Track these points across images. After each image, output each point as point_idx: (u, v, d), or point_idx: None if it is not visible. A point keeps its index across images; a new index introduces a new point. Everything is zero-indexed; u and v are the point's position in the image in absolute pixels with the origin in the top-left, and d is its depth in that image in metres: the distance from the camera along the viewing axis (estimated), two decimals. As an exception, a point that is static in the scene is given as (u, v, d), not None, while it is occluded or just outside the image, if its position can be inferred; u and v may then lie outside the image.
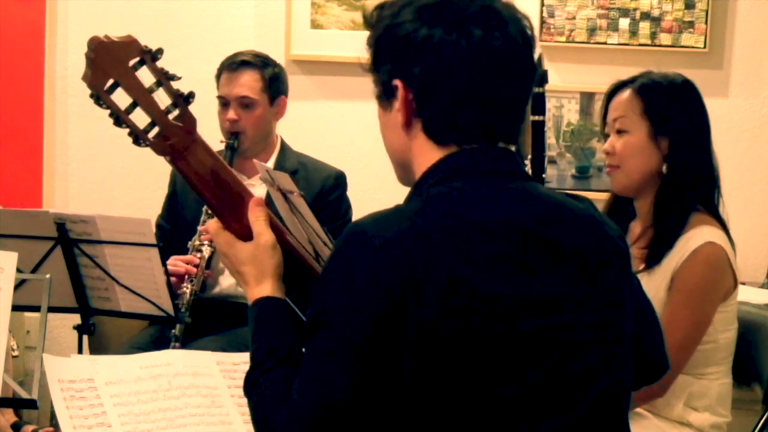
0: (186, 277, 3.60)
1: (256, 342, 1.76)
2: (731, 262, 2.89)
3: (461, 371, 1.56)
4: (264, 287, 1.80)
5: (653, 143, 2.91)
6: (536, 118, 2.91)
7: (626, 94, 2.96)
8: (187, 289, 3.58)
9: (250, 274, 1.81)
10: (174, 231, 3.88)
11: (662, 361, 1.91)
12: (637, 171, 2.93)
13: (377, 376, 1.56)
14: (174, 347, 3.46)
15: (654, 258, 2.89)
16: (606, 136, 3.02)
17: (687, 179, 2.90)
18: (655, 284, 2.84)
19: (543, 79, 2.90)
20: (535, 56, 1.76)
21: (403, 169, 1.76)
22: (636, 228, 3.01)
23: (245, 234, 1.83)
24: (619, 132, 2.95)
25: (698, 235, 2.86)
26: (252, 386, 1.72)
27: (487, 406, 1.57)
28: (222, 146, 3.76)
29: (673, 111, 2.92)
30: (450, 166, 1.68)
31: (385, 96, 1.72)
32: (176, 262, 3.60)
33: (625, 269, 1.76)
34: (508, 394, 1.58)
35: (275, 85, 3.85)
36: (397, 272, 1.55)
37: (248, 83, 3.81)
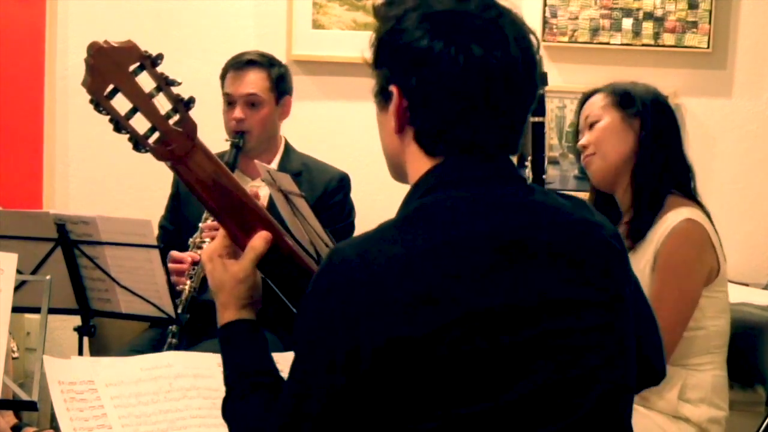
0: (186, 273, 3.59)
1: (227, 368, 1.80)
2: (713, 242, 2.94)
3: (461, 385, 1.55)
4: (229, 312, 1.83)
5: (626, 124, 3.05)
6: (536, 119, 2.94)
7: (597, 95, 3.14)
8: (186, 286, 3.56)
9: (219, 299, 1.85)
10: (177, 232, 3.86)
11: (660, 366, 1.91)
12: (613, 152, 3.05)
13: (345, 401, 1.57)
14: (171, 344, 3.45)
15: (634, 237, 2.97)
16: (578, 149, 3.17)
17: (659, 156, 3.02)
18: (638, 265, 2.88)
19: (542, 80, 2.93)
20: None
21: (395, 168, 1.76)
22: (622, 221, 3.07)
23: (246, 240, 1.84)
24: (592, 126, 3.09)
25: (676, 214, 2.94)
26: (230, 413, 1.76)
27: (491, 415, 1.57)
28: (227, 145, 3.75)
29: (642, 99, 3.08)
30: (437, 176, 1.66)
31: (382, 97, 1.72)
32: (176, 259, 3.59)
33: (623, 270, 1.75)
34: (509, 402, 1.57)
35: (281, 84, 3.85)
36: (378, 301, 1.54)
37: (255, 82, 3.80)
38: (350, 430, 1.59)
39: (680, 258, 2.91)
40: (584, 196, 3.21)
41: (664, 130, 3.06)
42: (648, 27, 4.34)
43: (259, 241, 1.82)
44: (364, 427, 1.58)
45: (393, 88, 1.68)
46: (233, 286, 1.82)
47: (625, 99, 3.08)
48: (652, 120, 3.04)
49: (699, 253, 2.92)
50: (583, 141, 3.11)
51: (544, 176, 3.04)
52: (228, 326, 1.82)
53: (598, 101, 3.11)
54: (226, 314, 1.83)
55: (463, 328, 1.55)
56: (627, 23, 4.34)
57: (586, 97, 3.17)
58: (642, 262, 2.92)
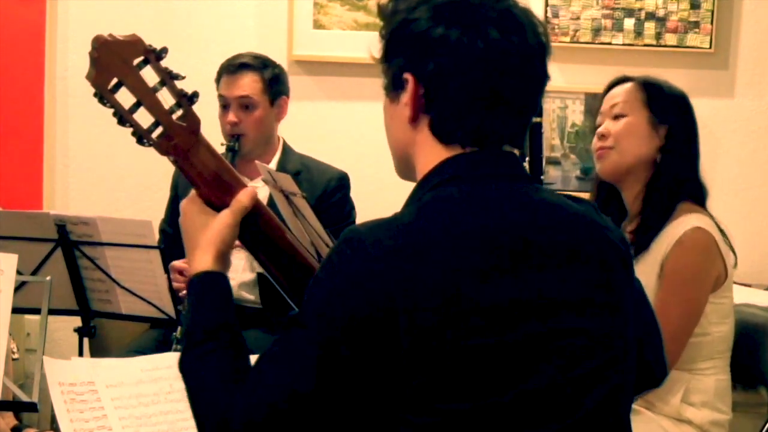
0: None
1: (200, 316, 1.72)
2: (721, 250, 2.89)
3: (462, 380, 1.55)
4: (208, 258, 1.77)
5: (652, 129, 2.96)
6: (534, 119, 2.91)
7: (628, 85, 3.02)
8: (188, 291, 3.55)
9: (197, 242, 1.80)
10: (177, 235, 3.84)
11: (661, 369, 1.91)
12: (632, 153, 2.96)
13: (343, 381, 1.56)
14: (176, 350, 3.44)
15: (640, 245, 2.91)
16: (598, 126, 3.04)
17: (679, 171, 2.94)
18: (645, 273, 2.85)
19: None
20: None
21: (403, 163, 1.76)
22: (628, 227, 3.02)
23: None
24: (617, 117, 2.99)
25: (686, 222, 2.88)
26: (192, 364, 1.69)
27: (490, 412, 1.56)
28: (223, 149, 3.74)
29: (673, 106, 2.98)
30: (450, 170, 1.66)
31: (394, 88, 1.71)
32: (176, 276, 3.58)
33: (626, 273, 1.75)
34: (511, 399, 1.57)
35: (275, 86, 3.84)
36: (387, 284, 1.54)
37: (248, 84, 3.79)
38: (346, 418, 1.58)
39: (688, 268, 2.86)
40: (585, 196, 3.20)
41: (690, 146, 2.98)
42: (650, 27, 4.33)
43: (244, 195, 1.80)
44: (361, 416, 1.58)
45: (408, 76, 1.67)
46: (220, 229, 1.78)
47: (657, 102, 2.98)
48: (682, 135, 2.97)
49: (706, 263, 2.88)
50: (602, 129, 3.01)
51: (542, 177, 3.01)
52: (210, 275, 1.76)
53: (629, 92, 3.01)
54: (205, 259, 1.76)
55: (468, 322, 1.55)
56: (629, 23, 4.33)
57: (618, 81, 3.06)
58: (648, 269, 2.87)
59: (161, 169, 3.34)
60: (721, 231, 2.93)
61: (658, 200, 2.93)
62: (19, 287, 2.74)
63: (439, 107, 1.67)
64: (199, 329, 1.70)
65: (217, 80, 3.86)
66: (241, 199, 1.80)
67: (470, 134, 1.67)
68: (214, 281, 1.76)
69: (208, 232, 1.78)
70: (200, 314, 1.73)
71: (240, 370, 1.65)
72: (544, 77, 1.71)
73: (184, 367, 1.70)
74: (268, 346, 1.62)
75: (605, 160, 3.01)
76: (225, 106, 3.81)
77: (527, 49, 1.66)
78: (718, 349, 2.93)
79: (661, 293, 2.84)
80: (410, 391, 1.55)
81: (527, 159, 2.95)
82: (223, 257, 1.78)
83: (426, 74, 1.65)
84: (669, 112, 2.96)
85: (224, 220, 1.79)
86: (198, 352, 1.68)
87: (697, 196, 2.98)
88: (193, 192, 1.84)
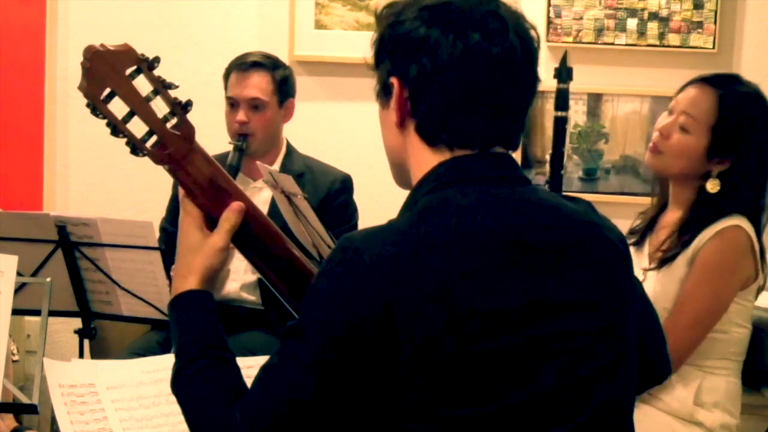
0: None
1: (188, 335, 1.73)
2: (755, 251, 2.89)
3: (465, 385, 1.55)
4: (193, 279, 1.78)
5: (705, 157, 2.90)
6: (559, 113, 2.91)
7: (709, 96, 2.92)
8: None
9: (186, 263, 1.80)
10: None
11: (664, 366, 1.91)
12: (677, 168, 2.95)
13: (343, 390, 1.56)
14: (176, 351, 3.44)
15: (664, 261, 2.91)
16: (669, 111, 2.99)
17: (734, 197, 2.89)
18: (675, 266, 2.88)
19: (568, 75, 2.92)
20: (539, 61, 1.72)
21: (398, 169, 1.76)
22: (667, 218, 3.01)
23: None
24: (682, 127, 2.92)
25: (725, 220, 2.87)
26: (186, 383, 1.69)
27: (493, 417, 1.56)
28: (230, 147, 3.74)
29: (745, 136, 2.90)
30: (444, 174, 1.66)
31: (384, 93, 1.72)
32: None
33: (626, 273, 1.74)
34: (513, 403, 1.57)
35: (285, 87, 3.85)
36: (383, 292, 1.54)
37: (259, 84, 3.79)
38: (348, 427, 1.58)
39: (719, 262, 2.85)
40: (587, 197, 3.16)
41: (756, 174, 2.91)
42: (653, 27, 4.32)
43: (230, 213, 1.80)
44: (362, 424, 1.57)
45: (393, 80, 1.68)
46: (209, 255, 1.79)
47: (726, 132, 2.89)
48: (747, 167, 2.89)
49: (739, 260, 2.87)
50: (664, 127, 2.95)
51: (561, 171, 3.00)
52: (196, 294, 1.77)
53: (703, 108, 2.91)
54: (191, 281, 1.78)
55: (468, 327, 1.54)
56: (632, 23, 4.32)
57: (705, 80, 2.96)
58: (680, 261, 2.88)
59: (162, 170, 3.30)
60: (760, 242, 2.91)
61: (703, 221, 2.89)
62: (19, 288, 2.73)
63: (423, 110, 1.67)
64: (190, 348, 1.72)
65: (225, 77, 3.85)
66: (229, 217, 1.80)
67: (455, 137, 1.66)
68: (200, 300, 1.77)
69: (198, 255, 1.79)
70: (189, 333, 1.74)
71: (235, 386, 1.66)
72: (532, 78, 1.70)
73: (177, 387, 1.70)
74: (269, 358, 1.62)
75: (653, 158, 2.99)
76: (234, 104, 3.81)
77: (510, 52, 1.65)
78: (732, 351, 2.94)
79: (689, 281, 2.85)
80: (411, 398, 1.54)
81: (549, 153, 2.95)
82: (210, 280, 1.80)
83: (410, 77, 1.66)
84: (737, 143, 2.88)
85: (215, 244, 1.79)
86: (191, 371, 1.69)
87: (750, 214, 2.92)
88: (189, 204, 1.83)
